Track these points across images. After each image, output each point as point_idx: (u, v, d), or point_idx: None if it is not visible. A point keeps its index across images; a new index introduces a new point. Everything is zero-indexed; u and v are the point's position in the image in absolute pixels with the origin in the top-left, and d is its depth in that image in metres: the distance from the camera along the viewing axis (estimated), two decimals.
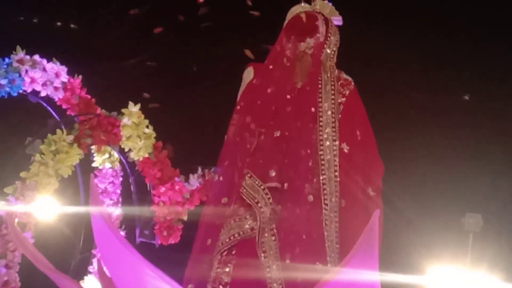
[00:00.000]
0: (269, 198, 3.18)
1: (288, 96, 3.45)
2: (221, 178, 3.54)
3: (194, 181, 4.23)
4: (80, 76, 4.14)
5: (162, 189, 4.16)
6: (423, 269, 4.97)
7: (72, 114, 4.07)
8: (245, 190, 3.25)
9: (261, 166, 3.30)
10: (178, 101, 5.36)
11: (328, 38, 3.60)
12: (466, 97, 5.54)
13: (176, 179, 4.22)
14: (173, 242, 4.25)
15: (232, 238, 3.24)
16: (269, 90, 3.51)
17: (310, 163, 3.34)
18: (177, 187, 4.17)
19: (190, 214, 4.22)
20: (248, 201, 3.23)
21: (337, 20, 3.73)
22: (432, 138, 5.28)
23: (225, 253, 3.26)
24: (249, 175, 3.28)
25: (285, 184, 3.27)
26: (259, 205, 3.18)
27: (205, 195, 4.17)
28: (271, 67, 3.58)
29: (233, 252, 3.26)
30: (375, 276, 2.41)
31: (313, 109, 3.43)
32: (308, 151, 3.35)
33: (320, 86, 3.47)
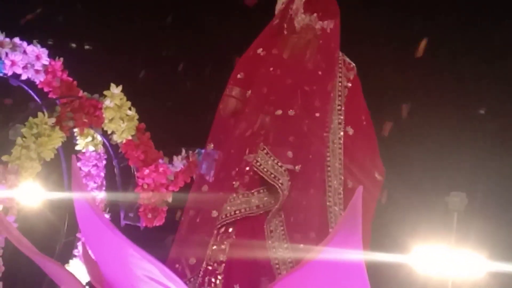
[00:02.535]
0: (289, 180, 3.14)
1: (311, 74, 3.39)
2: (220, 153, 3.45)
3: (178, 162, 4.21)
4: (61, 59, 4.10)
5: (146, 171, 4.15)
6: (408, 248, 5.00)
7: (54, 97, 4.03)
8: (261, 167, 3.17)
9: (276, 145, 3.24)
10: (161, 82, 5.33)
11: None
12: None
13: (160, 161, 4.21)
14: (157, 224, 4.24)
15: (237, 212, 3.19)
16: (289, 63, 3.42)
17: (323, 146, 3.31)
18: (161, 169, 4.15)
19: (175, 196, 4.21)
20: (268, 178, 3.16)
21: None
22: (417, 116, 5.28)
23: (222, 230, 3.21)
24: (265, 151, 3.21)
25: (297, 167, 3.22)
26: (283, 186, 3.13)
27: (189, 177, 4.16)
28: (286, 33, 3.49)
29: (230, 230, 3.21)
30: (359, 255, 2.38)
31: (332, 93, 3.41)
32: (324, 132, 3.32)
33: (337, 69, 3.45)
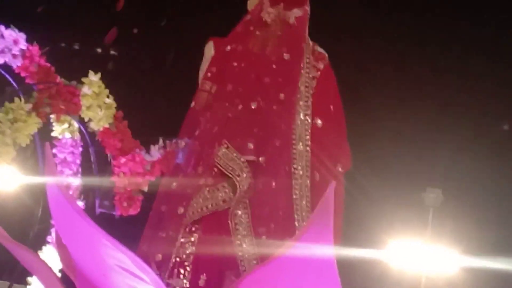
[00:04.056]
0: (248, 171, 3.14)
1: (274, 66, 3.37)
2: (188, 148, 3.48)
3: (155, 152, 4.19)
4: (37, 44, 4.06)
5: (123, 160, 4.12)
6: (383, 243, 5.03)
7: (31, 82, 4.00)
8: (221, 161, 3.18)
9: (238, 138, 3.24)
10: (139, 71, 5.31)
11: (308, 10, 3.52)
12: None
13: (137, 150, 4.19)
14: (133, 213, 4.22)
15: (205, 209, 3.20)
16: (252, 57, 3.42)
17: (287, 138, 3.31)
18: (137, 158, 4.13)
19: (151, 185, 4.19)
20: (226, 172, 3.16)
21: None
22: (392, 112, 5.30)
23: (190, 224, 3.22)
24: (225, 145, 3.22)
25: (261, 158, 3.22)
26: (239, 178, 3.13)
27: (166, 167, 4.14)
28: (251, 28, 3.48)
29: (198, 224, 3.22)
30: (330, 250, 2.38)
31: (298, 84, 3.39)
32: (287, 124, 3.31)
33: (303, 59, 3.43)
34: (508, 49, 5.32)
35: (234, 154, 3.15)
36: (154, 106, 5.26)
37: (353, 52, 5.04)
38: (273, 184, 3.19)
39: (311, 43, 3.52)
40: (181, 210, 3.21)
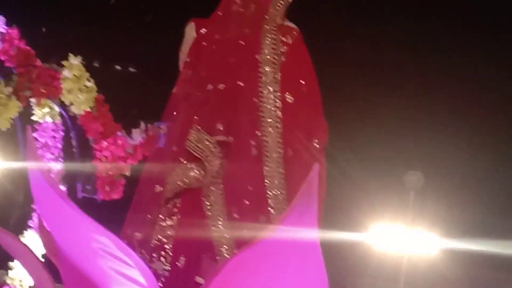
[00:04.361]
0: (219, 152, 3.14)
1: (242, 43, 3.37)
2: (169, 131, 3.48)
3: (137, 136, 4.17)
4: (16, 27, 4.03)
5: (104, 143, 4.10)
6: (365, 226, 5.06)
7: (11, 65, 3.96)
8: (192, 144, 3.20)
9: (208, 120, 3.25)
10: (120, 54, 5.27)
11: None
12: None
13: (119, 133, 4.16)
14: (115, 197, 4.21)
15: (177, 185, 3.20)
16: (217, 36, 3.43)
17: (254, 115, 3.30)
18: (119, 142, 4.11)
19: (133, 169, 4.17)
20: (196, 154, 3.18)
21: None
22: (374, 95, 5.32)
23: (169, 206, 3.22)
24: (196, 128, 3.23)
25: (231, 138, 3.23)
26: (208, 158, 3.14)
27: (148, 150, 4.12)
28: (220, 13, 3.49)
29: (177, 205, 3.22)
30: (314, 233, 2.38)
31: (258, 58, 3.37)
32: (254, 102, 3.31)
33: (262, 35, 3.40)
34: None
35: (205, 136, 3.16)
36: (135, 89, 5.23)
37: (336, 31, 5.03)
38: (244, 161, 3.19)
39: (279, 18, 3.49)
40: (158, 188, 3.22)
